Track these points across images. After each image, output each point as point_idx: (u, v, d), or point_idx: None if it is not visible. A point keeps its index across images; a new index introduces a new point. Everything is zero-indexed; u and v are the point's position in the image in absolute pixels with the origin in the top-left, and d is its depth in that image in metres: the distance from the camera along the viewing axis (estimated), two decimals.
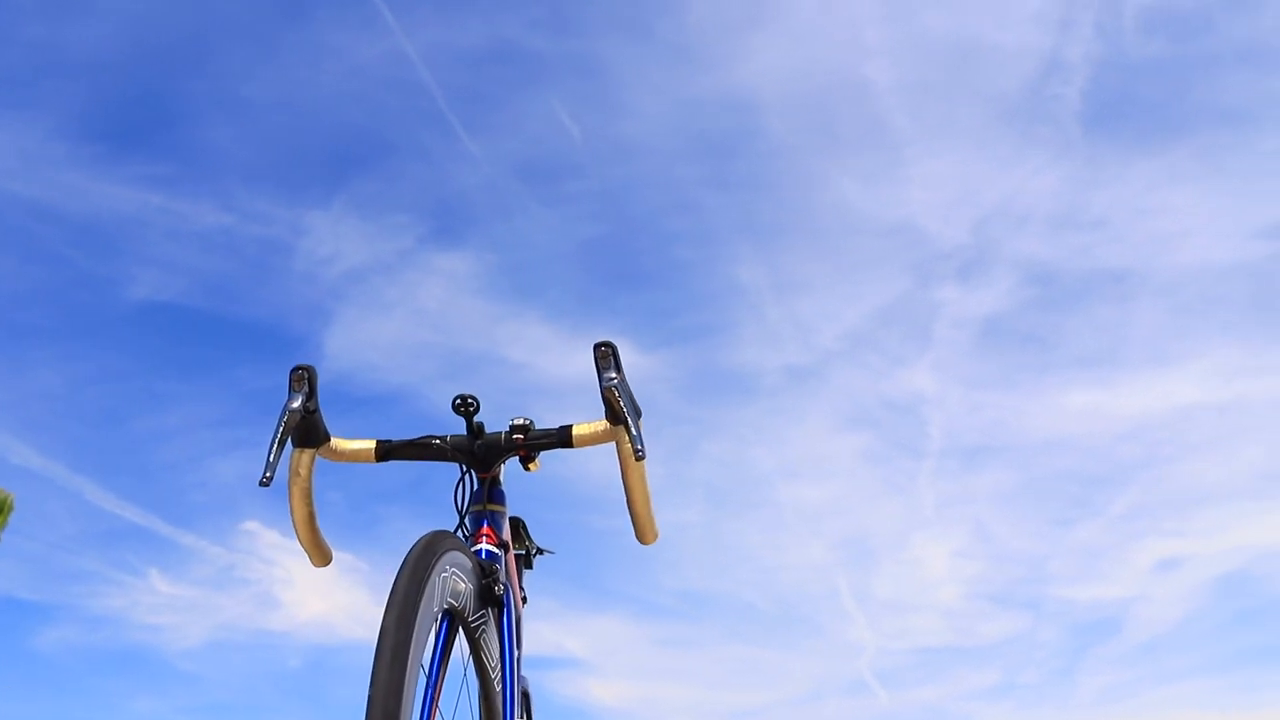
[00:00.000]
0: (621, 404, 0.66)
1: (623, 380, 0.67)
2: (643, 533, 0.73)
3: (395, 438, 0.73)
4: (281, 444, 0.66)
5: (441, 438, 0.71)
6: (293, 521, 0.71)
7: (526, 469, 0.72)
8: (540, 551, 0.97)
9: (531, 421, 0.71)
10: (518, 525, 0.97)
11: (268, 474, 0.66)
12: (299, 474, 0.69)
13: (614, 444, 0.71)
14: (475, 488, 0.72)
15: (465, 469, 0.72)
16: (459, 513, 0.72)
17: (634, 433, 0.65)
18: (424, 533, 0.60)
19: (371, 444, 0.72)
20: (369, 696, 0.48)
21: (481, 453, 0.71)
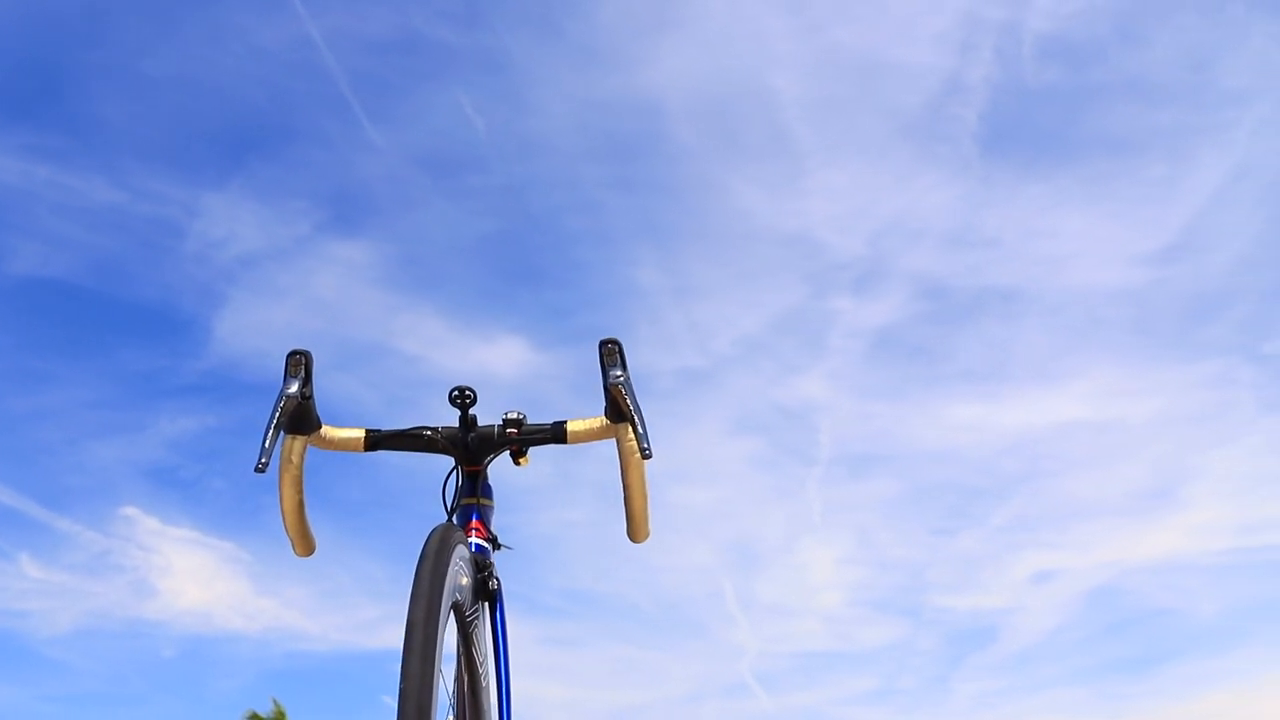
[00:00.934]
0: (628, 401, 0.67)
1: (628, 378, 0.68)
2: (636, 531, 0.73)
3: (385, 427, 0.72)
4: (278, 429, 0.65)
5: (433, 429, 0.70)
6: (281, 509, 0.69)
7: (517, 463, 0.71)
8: (499, 546, 0.97)
9: (524, 415, 0.71)
10: None
11: (263, 460, 0.64)
12: (291, 461, 0.68)
13: (613, 441, 0.71)
14: (463, 481, 0.71)
15: (456, 462, 0.71)
16: (445, 505, 0.71)
17: (641, 430, 0.65)
18: (434, 524, 0.60)
19: (361, 433, 0.71)
20: (401, 690, 0.48)
21: (474, 446, 0.70)
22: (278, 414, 0.65)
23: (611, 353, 0.68)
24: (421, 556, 0.54)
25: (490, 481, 0.72)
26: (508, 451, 0.71)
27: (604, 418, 0.72)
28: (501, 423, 0.71)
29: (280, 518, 0.70)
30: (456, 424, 0.70)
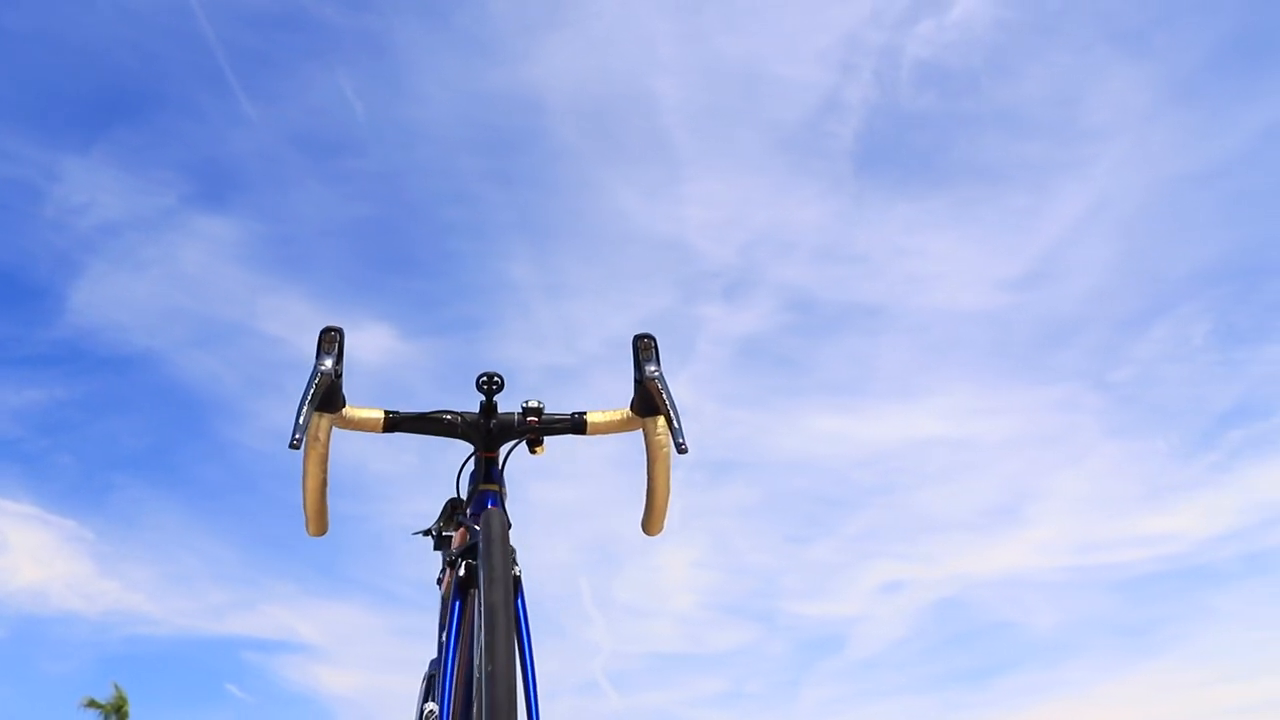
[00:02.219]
0: (665, 396, 0.67)
1: (663, 373, 0.69)
2: (654, 523, 0.74)
3: (403, 409, 0.71)
4: (313, 406, 0.64)
5: (454, 413, 0.70)
6: (303, 486, 0.68)
7: (533, 452, 0.71)
8: None
9: (543, 404, 0.71)
10: (459, 505, 0.96)
11: (297, 436, 0.63)
12: (318, 439, 0.66)
13: (639, 434, 0.72)
14: (477, 468, 0.71)
15: (475, 448, 0.71)
16: (457, 490, 0.71)
17: (677, 425, 0.66)
18: (484, 510, 0.60)
19: (380, 414, 0.70)
20: (489, 673, 0.48)
21: (495, 432, 0.70)
22: (313, 390, 0.64)
23: (647, 347, 0.69)
24: (489, 540, 0.54)
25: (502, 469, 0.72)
26: (524, 440, 0.71)
27: (628, 410, 0.73)
28: (521, 410, 0.71)
29: (301, 494, 0.69)
30: (477, 409, 0.70)
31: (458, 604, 0.65)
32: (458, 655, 0.63)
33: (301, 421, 0.63)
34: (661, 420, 0.71)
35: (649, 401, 0.70)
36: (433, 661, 0.90)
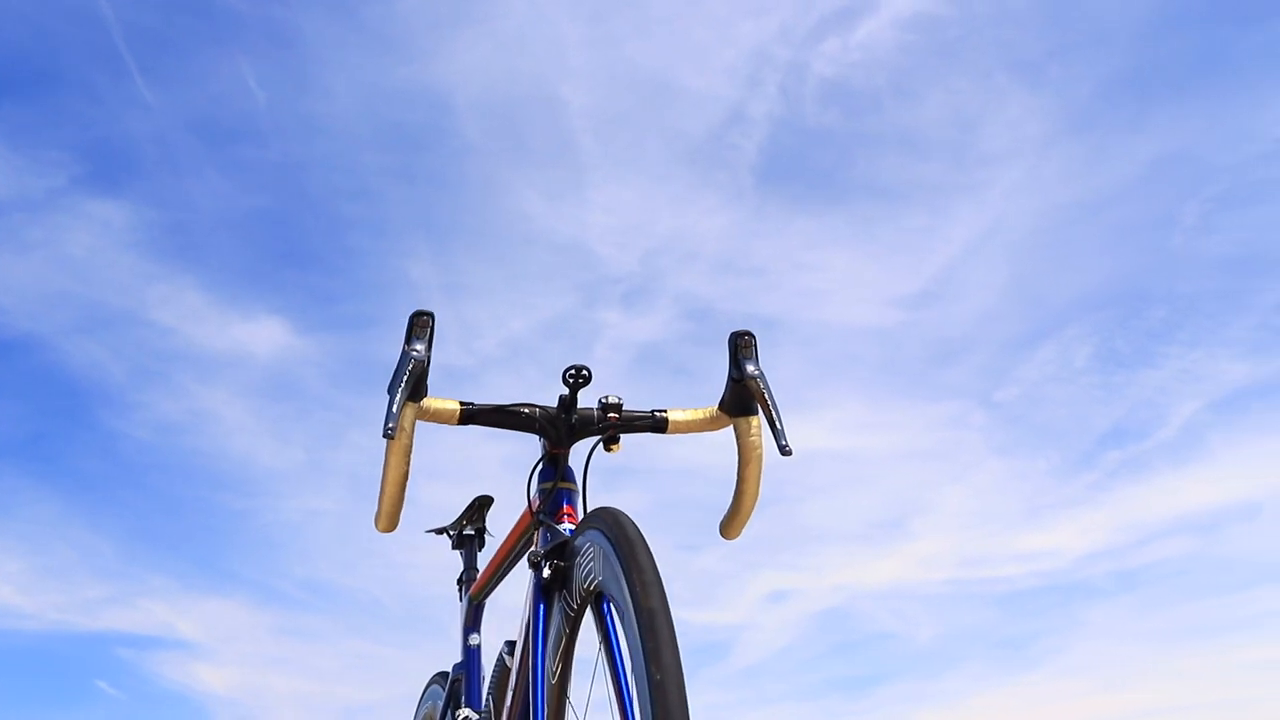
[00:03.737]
0: (768, 396, 0.65)
1: (763, 372, 0.66)
2: (738, 527, 0.72)
3: (479, 401, 0.67)
4: (405, 394, 0.60)
5: (531, 407, 0.67)
6: (384, 478, 0.64)
7: (608, 449, 0.68)
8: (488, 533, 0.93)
9: (622, 400, 0.68)
10: (487, 503, 0.92)
11: (390, 425, 0.60)
12: (404, 429, 0.63)
13: (724, 433, 0.69)
14: (551, 465, 0.68)
15: (550, 443, 0.67)
16: (530, 487, 0.68)
17: (780, 426, 0.64)
18: (598, 506, 0.57)
19: (456, 406, 0.66)
20: (658, 682, 0.44)
21: (573, 428, 0.67)
22: (406, 377, 0.60)
23: (747, 345, 0.67)
24: (637, 539, 0.51)
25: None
26: (600, 437, 0.68)
27: (714, 409, 0.70)
28: (600, 406, 0.68)
29: (380, 486, 0.65)
30: (555, 403, 0.67)
31: (541, 607, 0.61)
32: (543, 664, 0.60)
33: (395, 410, 0.60)
34: (755, 421, 0.69)
35: (745, 401, 0.68)
36: (456, 665, 0.86)
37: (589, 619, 0.61)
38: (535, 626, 0.61)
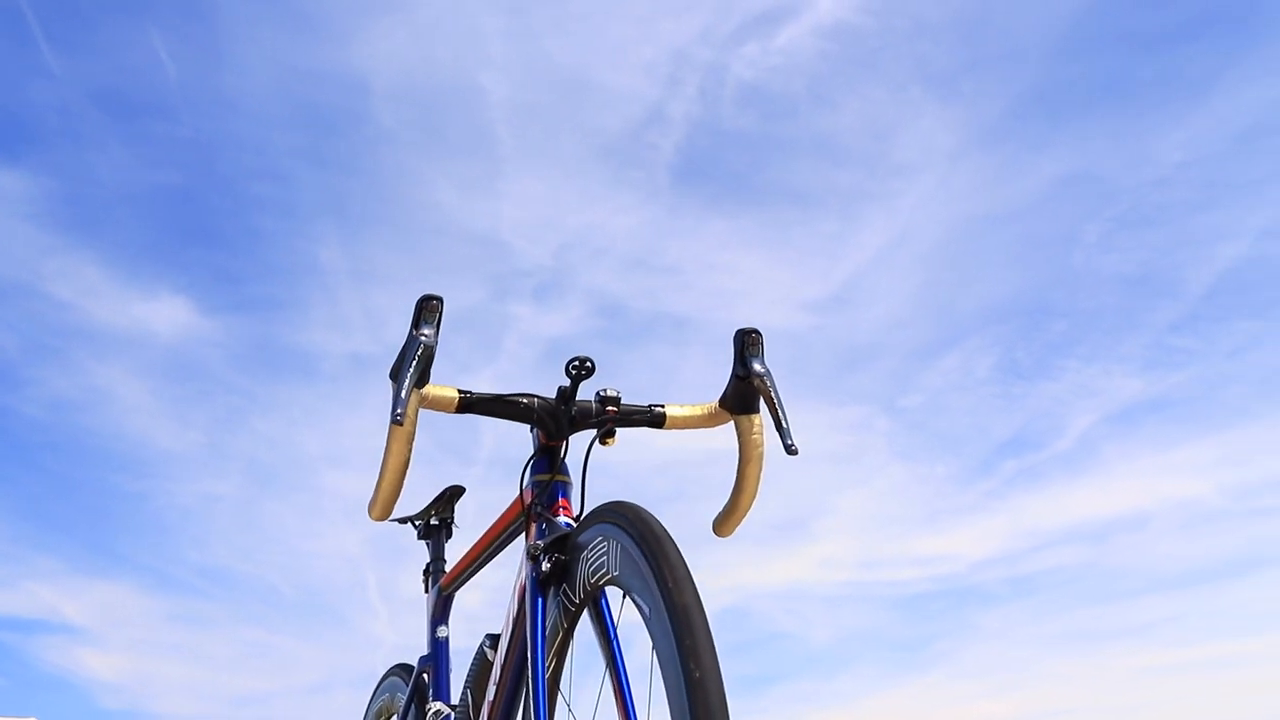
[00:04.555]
0: (774, 394, 0.65)
1: (769, 370, 0.66)
2: (733, 525, 0.71)
3: (478, 390, 0.66)
4: (414, 379, 0.59)
5: (529, 397, 0.66)
6: (383, 466, 0.62)
7: (604, 443, 0.68)
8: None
9: (620, 394, 0.68)
10: (457, 494, 0.90)
11: (399, 411, 0.58)
12: (409, 416, 0.61)
13: (720, 430, 0.69)
14: (542, 456, 0.67)
15: (547, 435, 0.66)
16: (524, 479, 0.67)
17: (786, 426, 0.64)
18: (611, 500, 0.56)
19: (455, 394, 0.65)
20: (697, 680, 0.44)
21: (571, 420, 0.66)
22: (416, 362, 0.59)
23: (754, 343, 0.67)
24: (663, 535, 0.51)
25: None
26: (595, 430, 0.67)
27: (714, 405, 0.70)
28: (598, 399, 0.67)
29: (379, 473, 0.63)
30: (554, 395, 0.66)
31: (541, 602, 0.60)
32: (543, 659, 0.59)
33: (404, 395, 0.58)
34: (757, 419, 0.69)
35: (749, 399, 0.68)
36: (422, 658, 0.85)
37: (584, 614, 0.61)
38: (534, 620, 0.60)
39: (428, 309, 0.60)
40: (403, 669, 0.90)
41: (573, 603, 0.59)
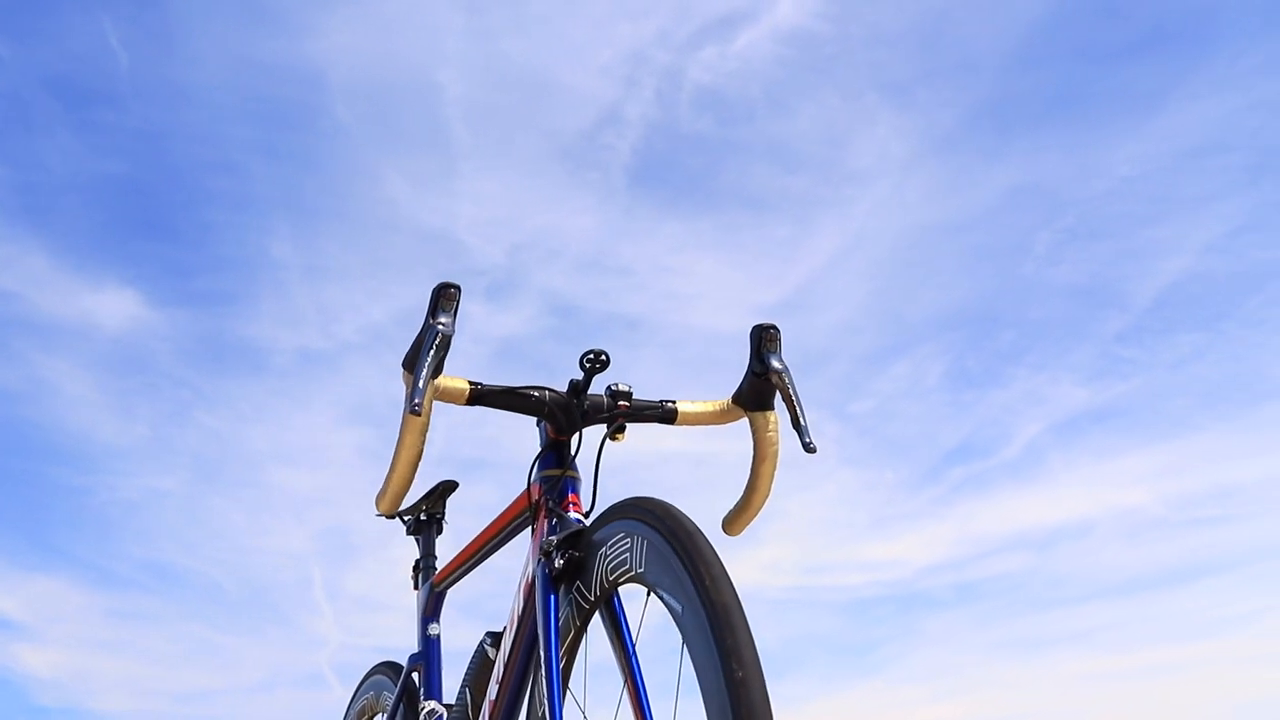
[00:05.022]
0: (793, 392, 0.65)
1: (788, 367, 0.66)
2: (744, 524, 0.70)
3: (488, 382, 0.65)
4: (433, 370, 0.58)
5: (541, 390, 0.65)
6: (396, 458, 0.61)
7: (614, 439, 0.66)
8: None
9: (631, 389, 0.67)
10: (450, 488, 0.89)
11: (417, 402, 0.57)
12: (426, 407, 0.60)
13: (732, 427, 0.69)
14: (551, 451, 0.65)
15: (557, 429, 0.65)
16: (532, 474, 0.66)
17: (804, 423, 0.64)
18: (633, 495, 0.55)
19: (466, 385, 0.63)
20: (740, 679, 0.43)
21: (582, 415, 0.64)
22: (434, 351, 0.58)
23: (772, 339, 0.66)
24: (695, 532, 0.50)
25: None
26: (604, 425, 0.66)
27: (727, 402, 0.69)
28: (609, 394, 0.66)
29: (390, 466, 0.62)
30: (565, 388, 0.65)
31: (554, 599, 0.59)
32: (557, 658, 0.58)
33: (422, 385, 0.57)
34: (773, 416, 0.68)
35: (765, 396, 0.67)
36: (413, 656, 0.83)
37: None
38: (547, 618, 0.58)
39: (445, 297, 0.59)
40: (389, 667, 0.88)
41: (587, 600, 0.58)
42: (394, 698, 0.82)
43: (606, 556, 0.55)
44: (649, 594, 0.53)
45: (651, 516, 0.52)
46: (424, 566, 0.86)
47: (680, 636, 0.48)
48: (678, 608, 0.48)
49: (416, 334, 0.60)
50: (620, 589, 0.57)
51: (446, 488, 0.87)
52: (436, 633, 0.83)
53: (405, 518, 0.89)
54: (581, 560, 0.58)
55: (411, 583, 0.87)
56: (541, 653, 0.57)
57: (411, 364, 0.60)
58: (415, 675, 0.82)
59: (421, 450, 0.61)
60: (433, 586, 0.84)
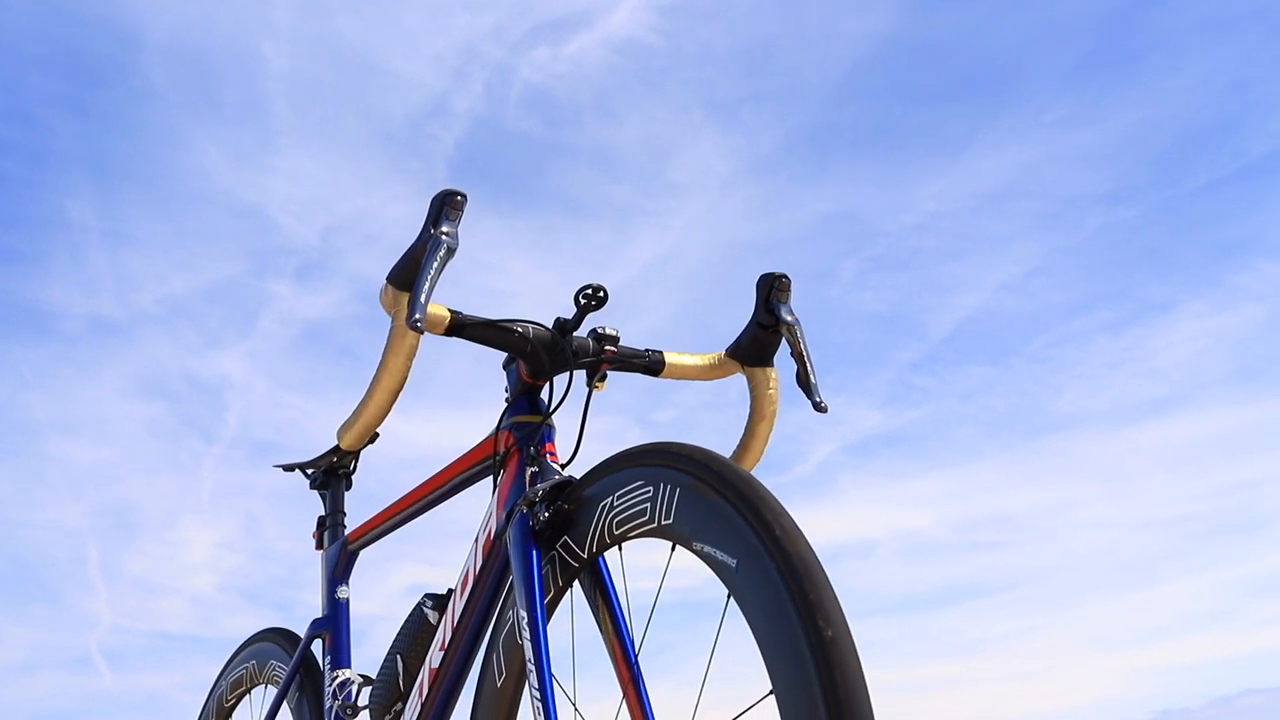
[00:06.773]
0: (803, 346, 0.60)
1: (798, 319, 0.61)
2: None
3: (469, 312, 0.58)
4: (435, 282, 0.51)
5: (525, 325, 0.58)
6: (374, 385, 0.53)
7: (593, 385, 0.60)
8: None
9: (619, 333, 0.61)
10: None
11: (418, 316, 0.50)
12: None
13: (727, 380, 0.64)
14: (525, 395, 0.59)
15: (531, 372, 0.59)
16: (502, 419, 0.59)
17: (814, 381, 0.59)
18: (677, 441, 0.49)
19: (446, 313, 0.56)
20: (830, 638, 0.38)
21: (567, 356, 0.58)
22: (438, 262, 0.51)
23: (785, 288, 0.61)
24: (750, 477, 0.44)
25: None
26: (583, 370, 0.60)
27: (721, 355, 0.64)
28: (594, 337, 0.60)
29: (366, 393, 0.54)
30: (550, 325, 0.59)
31: (535, 554, 0.53)
32: (543, 622, 0.51)
33: (424, 300, 0.50)
34: (774, 373, 0.63)
35: (767, 350, 0.63)
36: (316, 621, 0.75)
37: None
38: (530, 578, 0.52)
39: (451, 205, 0.52)
40: (279, 634, 0.79)
41: (576, 558, 0.53)
42: (290, 668, 0.73)
43: (611, 508, 0.50)
44: (672, 548, 0.48)
45: (689, 463, 0.46)
46: (331, 524, 0.78)
47: (730, 594, 0.43)
48: (730, 562, 0.43)
49: (409, 247, 0.53)
50: (621, 546, 0.52)
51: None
52: (346, 596, 0.75)
53: (309, 471, 0.80)
54: (570, 514, 0.53)
55: (315, 542, 0.78)
56: (523, 615, 0.51)
57: (401, 279, 0.53)
58: (321, 642, 0.73)
59: (406, 377, 0.54)
60: (345, 544, 0.75)
